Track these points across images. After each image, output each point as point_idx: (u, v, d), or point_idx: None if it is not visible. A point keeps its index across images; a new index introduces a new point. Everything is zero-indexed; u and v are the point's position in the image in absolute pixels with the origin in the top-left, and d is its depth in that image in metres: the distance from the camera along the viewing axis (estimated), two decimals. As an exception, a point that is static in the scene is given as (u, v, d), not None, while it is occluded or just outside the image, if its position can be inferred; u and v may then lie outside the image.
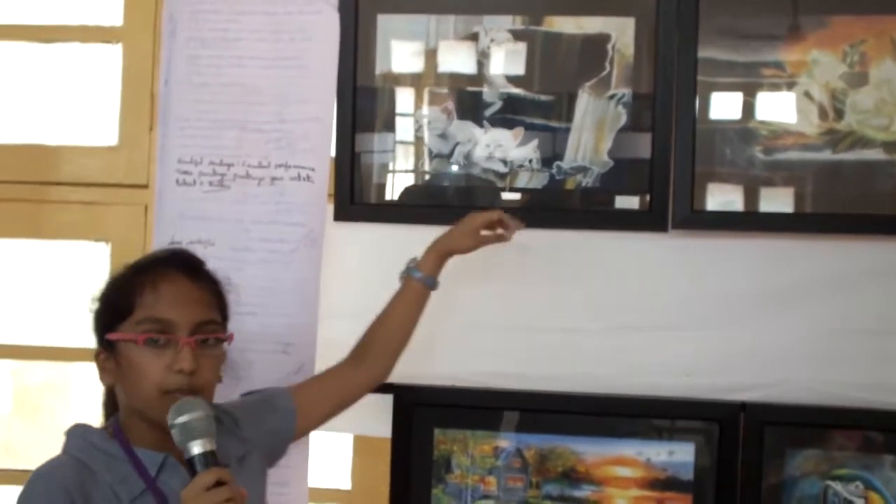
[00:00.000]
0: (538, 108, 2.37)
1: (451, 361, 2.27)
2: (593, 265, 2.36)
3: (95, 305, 1.87)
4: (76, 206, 2.83)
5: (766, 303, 2.30)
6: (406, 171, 2.43)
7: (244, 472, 1.89)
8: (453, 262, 2.18)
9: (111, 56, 2.86)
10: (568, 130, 2.36)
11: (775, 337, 2.29)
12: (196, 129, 2.42)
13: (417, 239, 2.17)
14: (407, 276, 2.14)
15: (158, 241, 2.41)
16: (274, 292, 2.36)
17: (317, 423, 2.13)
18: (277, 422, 2.04)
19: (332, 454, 2.80)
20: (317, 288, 2.35)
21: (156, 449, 1.79)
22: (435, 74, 2.41)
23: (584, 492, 2.30)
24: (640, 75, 2.33)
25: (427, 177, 2.42)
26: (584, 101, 2.35)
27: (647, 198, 2.33)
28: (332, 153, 2.40)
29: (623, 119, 2.35)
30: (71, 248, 3.00)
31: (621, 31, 2.34)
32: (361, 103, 2.40)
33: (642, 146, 2.33)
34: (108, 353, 1.83)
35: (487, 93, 2.39)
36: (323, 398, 2.11)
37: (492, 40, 2.38)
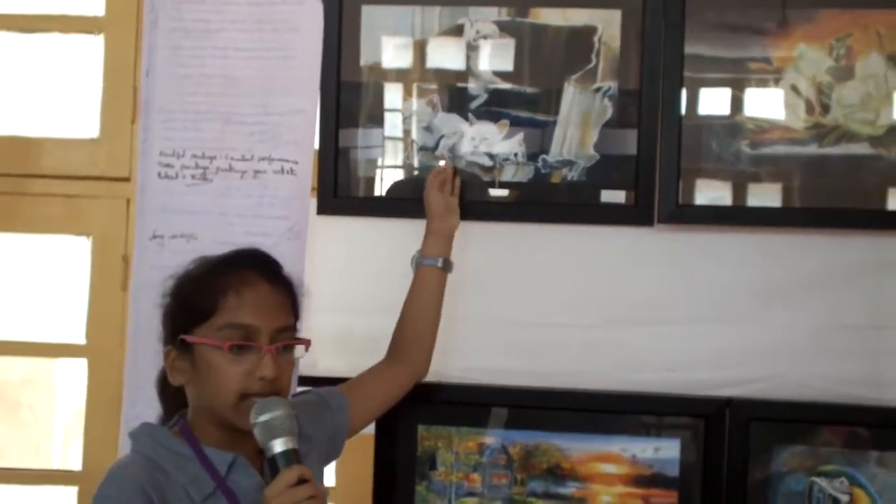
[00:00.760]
0: (524, 101, 2.35)
1: (435, 358, 2.25)
2: (578, 259, 2.35)
3: (169, 301, 1.83)
4: (57, 200, 2.80)
5: (753, 298, 2.30)
6: (392, 167, 2.41)
7: None
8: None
9: (93, 47, 2.84)
10: (554, 124, 2.35)
11: (761, 332, 2.29)
12: (178, 121, 2.39)
13: (400, 232, 2.18)
14: (417, 266, 2.20)
15: (140, 235, 2.39)
16: (257, 286, 2.33)
17: (367, 421, 2.17)
18: (334, 420, 2.06)
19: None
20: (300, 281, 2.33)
21: (224, 448, 1.77)
22: (420, 67, 2.39)
23: (570, 488, 2.29)
24: (627, 68, 2.32)
25: (413, 170, 2.40)
26: (570, 94, 2.34)
27: (633, 192, 2.32)
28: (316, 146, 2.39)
29: (609, 112, 2.33)
30: (51, 241, 2.98)
31: (608, 24, 2.33)
32: (345, 96, 2.38)
33: (628, 141, 2.32)
34: (180, 352, 1.79)
35: (473, 86, 2.37)
36: (371, 397, 2.14)
37: (477, 32, 2.37)
